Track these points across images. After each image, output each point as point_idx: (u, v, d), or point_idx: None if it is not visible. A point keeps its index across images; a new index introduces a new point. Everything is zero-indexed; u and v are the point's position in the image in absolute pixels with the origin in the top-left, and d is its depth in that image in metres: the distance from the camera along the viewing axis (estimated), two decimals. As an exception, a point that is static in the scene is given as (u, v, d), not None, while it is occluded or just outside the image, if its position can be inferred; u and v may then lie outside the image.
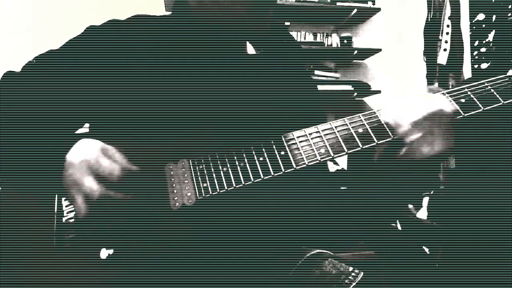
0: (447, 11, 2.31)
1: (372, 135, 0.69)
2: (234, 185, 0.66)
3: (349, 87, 2.94)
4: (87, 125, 0.80)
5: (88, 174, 0.63)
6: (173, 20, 0.84)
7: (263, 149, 0.69)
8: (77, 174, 0.63)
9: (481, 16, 2.26)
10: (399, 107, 0.70)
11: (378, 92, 3.01)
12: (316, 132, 0.70)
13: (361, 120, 0.70)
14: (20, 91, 0.74)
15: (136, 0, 2.52)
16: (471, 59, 2.31)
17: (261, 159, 0.68)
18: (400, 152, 0.68)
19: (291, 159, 0.68)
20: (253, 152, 0.69)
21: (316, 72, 2.94)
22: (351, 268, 0.69)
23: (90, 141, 0.67)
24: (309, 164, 0.67)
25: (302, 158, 0.68)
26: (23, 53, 0.91)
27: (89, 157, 0.64)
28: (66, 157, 0.65)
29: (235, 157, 0.68)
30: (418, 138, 0.67)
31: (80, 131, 0.79)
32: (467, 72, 2.31)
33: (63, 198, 0.69)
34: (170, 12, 0.88)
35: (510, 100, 0.70)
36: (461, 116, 0.69)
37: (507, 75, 0.72)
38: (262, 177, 0.67)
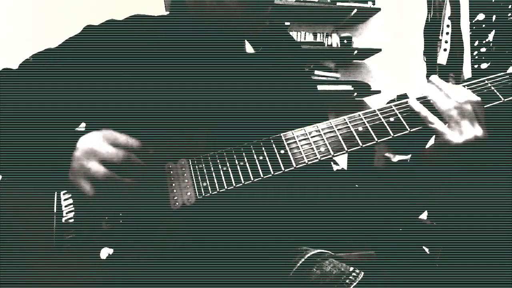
0: (447, 11, 2.31)
1: (372, 133, 0.69)
2: (234, 185, 0.66)
3: (349, 87, 2.94)
4: (83, 124, 0.80)
5: (92, 158, 0.64)
6: (170, 20, 0.84)
7: (263, 148, 0.69)
8: (83, 159, 0.64)
9: (481, 16, 2.26)
10: (434, 94, 0.71)
11: (378, 92, 3.01)
12: (316, 130, 0.70)
13: (361, 118, 0.70)
14: (16, 89, 0.74)
15: (136, 1, 2.52)
16: (471, 59, 2.30)
17: (260, 158, 0.68)
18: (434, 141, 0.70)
19: (291, 158, 0.68)
20: (253, 151, 0.68)
21: (316, 72, 2.94)
22: (351, 268, 0.69)
23: (99, 131, 0.67)
24: (309, 163, 0.67)
25: (302, 157, 0.68)
26: (21, 51, 0.91)
27: (94, 142, 0.65)
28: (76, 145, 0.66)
29: (235, 156, 0.68)
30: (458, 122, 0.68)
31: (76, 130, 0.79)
32: (467, 72, 2.31)
33: (62, 193, 0.69)
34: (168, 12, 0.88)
35: (511, 98, 0.70)
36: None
37: (507, 72, 0.72)
38: (262, 176, 0.66)
